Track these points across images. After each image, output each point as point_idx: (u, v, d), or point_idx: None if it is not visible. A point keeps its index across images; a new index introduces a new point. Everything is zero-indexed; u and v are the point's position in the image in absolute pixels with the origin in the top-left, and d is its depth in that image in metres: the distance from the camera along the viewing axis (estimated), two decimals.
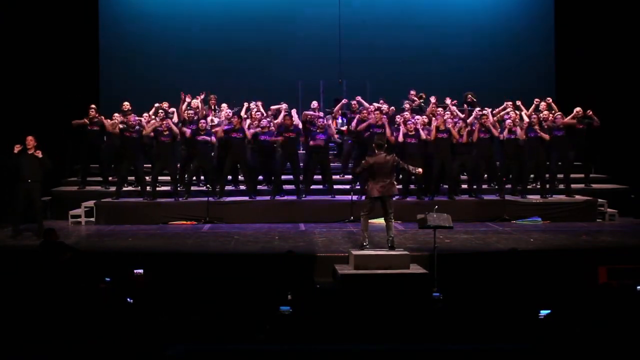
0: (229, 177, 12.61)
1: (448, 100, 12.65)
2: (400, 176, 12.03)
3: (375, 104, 12.93)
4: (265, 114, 12.75)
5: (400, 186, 11.22)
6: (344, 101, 13.44)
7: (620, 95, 13.95)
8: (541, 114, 12.64)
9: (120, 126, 12.21)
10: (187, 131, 11.97)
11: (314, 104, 13.41)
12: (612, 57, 14.28)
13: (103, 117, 12.66)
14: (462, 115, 12.37)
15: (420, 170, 9.55)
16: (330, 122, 12.88)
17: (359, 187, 12.07)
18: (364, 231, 9.16)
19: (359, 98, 13.29)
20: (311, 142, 12.16)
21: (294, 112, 12.49)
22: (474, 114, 12.32)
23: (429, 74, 15.70)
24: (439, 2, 16.62)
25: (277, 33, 16.04)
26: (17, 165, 10.23)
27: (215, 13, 16.17)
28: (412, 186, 12.35)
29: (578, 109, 12.89)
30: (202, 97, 12.85)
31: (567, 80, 15.57)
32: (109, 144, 12.55)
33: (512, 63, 16.15)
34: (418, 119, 12.10)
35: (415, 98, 14.03)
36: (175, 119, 12.38)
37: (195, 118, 12.21)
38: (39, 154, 10.25)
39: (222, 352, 4.80)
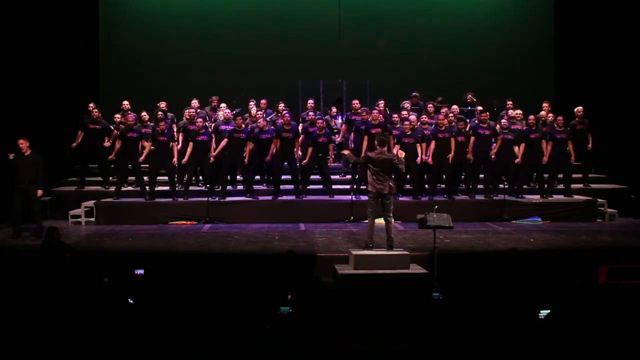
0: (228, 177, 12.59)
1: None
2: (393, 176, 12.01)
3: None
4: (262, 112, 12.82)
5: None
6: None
7: (620, 95, 13.93)
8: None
9: (121, 126, 12.23)
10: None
11: (310, 102, 13.39)
12: (611, 56, 14.26)
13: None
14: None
15: (402, 153, 9.59)
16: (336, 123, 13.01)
17: (363, 187, 12.04)
18: (370, 232, 9.09)
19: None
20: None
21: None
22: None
23: (429, 74, 15.70)
24: (439, 2, 16.59)
25: (277, 33, 16.03)
26: (13, 166, 10.17)
27: (215, 12, 16.13)
28: (407, 186, 12.34)
29: (579, 108, 12.96)
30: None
31: (566, 80, 15.56)
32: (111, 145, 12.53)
33: (512, 63, 16.13)
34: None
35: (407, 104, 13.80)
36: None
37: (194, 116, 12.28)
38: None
39: (222, 353, 4.79)
